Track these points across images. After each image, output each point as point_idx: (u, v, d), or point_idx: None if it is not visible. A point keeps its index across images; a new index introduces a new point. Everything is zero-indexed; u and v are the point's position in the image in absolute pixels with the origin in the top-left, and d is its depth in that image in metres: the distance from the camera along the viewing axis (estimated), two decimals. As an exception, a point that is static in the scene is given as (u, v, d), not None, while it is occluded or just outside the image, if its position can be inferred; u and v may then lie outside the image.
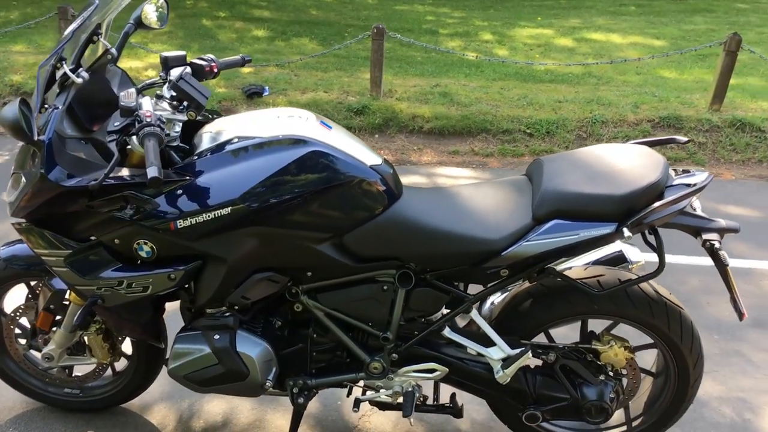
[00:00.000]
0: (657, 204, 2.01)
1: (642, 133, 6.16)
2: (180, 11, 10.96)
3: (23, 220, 2.27)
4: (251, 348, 2.21)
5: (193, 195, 2.04)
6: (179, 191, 2.05)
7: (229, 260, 2.10)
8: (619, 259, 2.36)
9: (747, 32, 10.10)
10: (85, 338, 2.54)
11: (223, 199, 2.02)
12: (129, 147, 2.11)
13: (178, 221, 2.03)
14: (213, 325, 2.22)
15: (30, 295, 2.59)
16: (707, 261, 2.12)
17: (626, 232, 2.02)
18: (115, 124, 2.10)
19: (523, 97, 6.85)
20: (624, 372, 2.36)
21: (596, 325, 2.36)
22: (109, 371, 2.75)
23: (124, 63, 7.68)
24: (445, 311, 2.35)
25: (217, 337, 2.20)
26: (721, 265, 2.13)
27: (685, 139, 2.35)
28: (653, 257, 2.13)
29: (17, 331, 2.65)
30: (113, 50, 2.23)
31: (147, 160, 1.89)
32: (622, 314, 2.25)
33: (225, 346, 2.19)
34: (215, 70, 2.38)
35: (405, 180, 2.26)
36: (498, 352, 2.25)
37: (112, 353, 2.58)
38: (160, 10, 2.40)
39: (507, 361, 2.24)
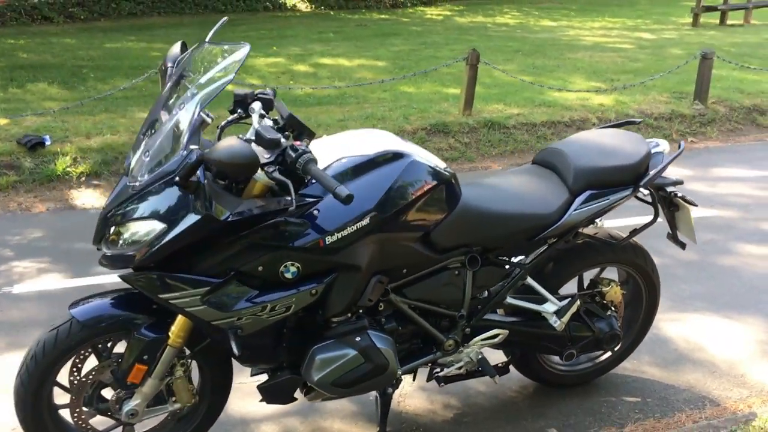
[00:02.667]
0: (658, 168, 2.76)
1: (420, 140, 7.08)
2: None
3: (129, 271, 2.26)
4: (383, 342, 2.48)
5: (333, 212, 2.28)
6: (316, 211, 2.27)
7: (363, 267, 2.37)
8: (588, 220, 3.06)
9: (442, 49, 11.80)
10: (171, 383, 2.52)
11: (360, 211, 2.29)
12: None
13: (326, 238, 2.25)
14: (351, 329, 2.44)
15: (80, 358, 2.47)
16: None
17: (643, 191, 2.73)
18: (266, 156, 2.22)
19: (308, 119, 7.35)
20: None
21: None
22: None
23: None
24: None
25: (358, 339, 2.43)
26: (673, 208, 2.93)
27: (639, 119, 3.16)
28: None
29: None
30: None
31: (324, 182, 2.09)
32: (618, 260, 2.97)
33: (369, 344, 2.43)
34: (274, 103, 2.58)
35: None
36: (551, 306, 2.82)
37: (195, 395, 2.59)
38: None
39: (559, 312, 2.81)
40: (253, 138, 2.26)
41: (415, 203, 2.42)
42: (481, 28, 15.20)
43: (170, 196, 2.17)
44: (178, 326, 2.40)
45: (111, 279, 4.24)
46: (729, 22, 15.88)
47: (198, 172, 2.13)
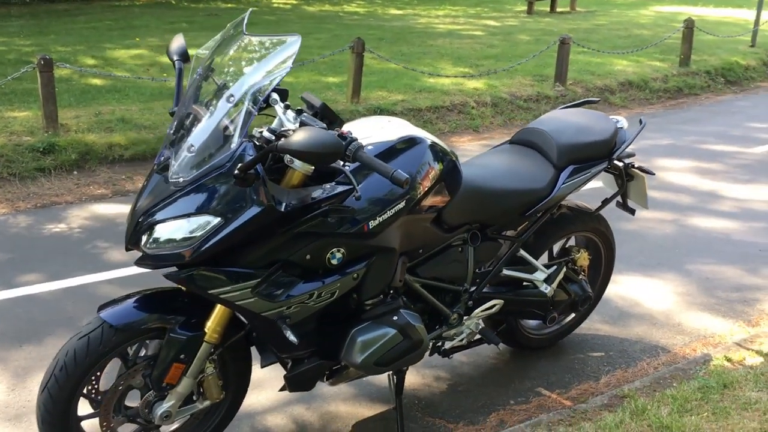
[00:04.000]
0: (628, 141, 3.05)
1: (315, 129, 7.12)
2: None
3: (174, 270, 2.22)
4: (415, 319, 2.59)
5: (372, 197, 2.35)
6: (356, 196, 2.32)
7: (396, 249, 2.46)
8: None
9: (307, 38, 11.76)
10: (202, 381, 2.48)
11: (396, 194, 2.38)
12: (289, 168, 2.26)
13: (369, 222, 2.33)
14: (387, 310, 2.52)
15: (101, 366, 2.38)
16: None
17: (617, 163, 3.01)
18: None
19: (196, 113, 7.17)
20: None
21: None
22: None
23: None
24: None
25: (395, 318, 2.51)
26: (627, 178, 3.23)
27: (597, 99, 3.44)
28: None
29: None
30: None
31: (380, 168, 2.14)
32: (588, 228, 3.26)
33: (406, 322, 2.52)
34: None
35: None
36: (541, 274, 3.04)
37: (223, 391, 2.55)
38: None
39: (549, 279, 3.04)
40: (290, 128, 2.28)
41: (436, 184, 2.54)
42: (335, 16, 15.34)
43: (224, 189, 2.15)
44: (214, 322, 2.37)
45: (13, 294, 3.99)
46: (558, 9, 17.11)
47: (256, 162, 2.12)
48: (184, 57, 2.55)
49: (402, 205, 2.40)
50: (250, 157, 2.13)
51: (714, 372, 3.05)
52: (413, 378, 3.24)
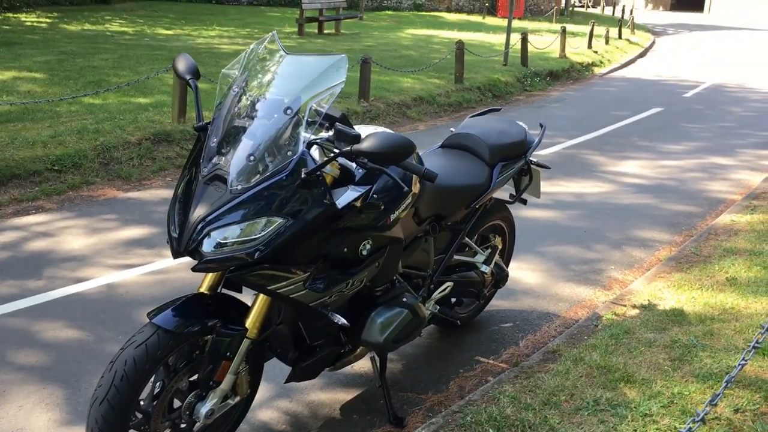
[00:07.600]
0: (536, 142, 3.66)
1: (148, 150, 7.04)
2: None
3: (231, 271, 2.38)
4: (416, 299, 2.93)
5: (389, 194, 2.68)
6: (376, 195, 2.65)
7: (404, 239, 2.81)
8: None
9: (92, 59, 11.29)
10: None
11: (405, 191, 2.74)
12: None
13: (390, 216, 2.66)
14: (398, 293, 2.85)
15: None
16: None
17: (532, 159, 3.61)
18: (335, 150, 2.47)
19: (14, 137, 6.72)
20: (495, 253, 3.92)
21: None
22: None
23: None
24: None
25: (405, 299, 2.85)
26: (531, 173, 3.87)
27: (500, 107, 4.00)
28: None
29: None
30: None
31: (412, 168, 2.52)
32: (502, 216, 3.82)
33: (414, 301, 2.88)
34: None
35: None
36: (481, 257, 3.54)
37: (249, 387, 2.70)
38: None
39: (487, 261, 3.55)
40: (326, 135, 2.54)
41: (420, 182, 2.92)
42: (105, 36, 14.72)
43: (287, 192, 2.34)
44: (254, 318, 2.54)
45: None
46: (326, 31, 17.98)
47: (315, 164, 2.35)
48: (197, 74, 2.68)
49: (410, 200, 2.75)
50: (312, 162, 2.36)
51: (612, 324, 3.77)
52: (368, 363, 3.56)
